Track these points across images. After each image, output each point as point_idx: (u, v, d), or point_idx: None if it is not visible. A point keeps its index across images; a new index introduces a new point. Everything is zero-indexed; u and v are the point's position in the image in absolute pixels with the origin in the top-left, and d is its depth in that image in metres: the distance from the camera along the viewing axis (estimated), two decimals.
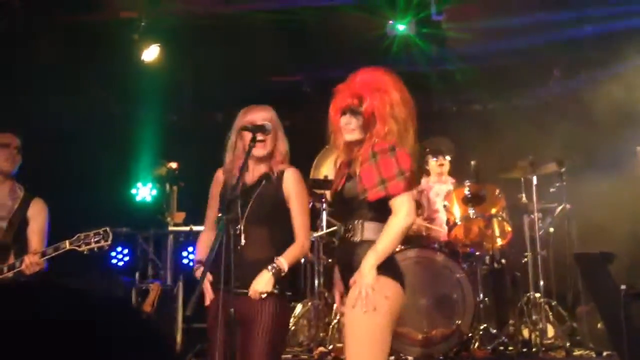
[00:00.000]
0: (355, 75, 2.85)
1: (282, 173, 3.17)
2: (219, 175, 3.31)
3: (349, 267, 2.75)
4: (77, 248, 3.65)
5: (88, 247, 3.66)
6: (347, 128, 2.81)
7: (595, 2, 6.47)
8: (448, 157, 5.92)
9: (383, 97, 2.75)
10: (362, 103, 2.76)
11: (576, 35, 6.78)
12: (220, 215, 2.94)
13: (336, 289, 2.98)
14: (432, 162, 5.92)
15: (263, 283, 3.01)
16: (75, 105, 7.27)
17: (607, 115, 6.76)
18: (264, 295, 2.99)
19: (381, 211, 2.75)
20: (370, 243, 2.71)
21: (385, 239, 2.69)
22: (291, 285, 3.27)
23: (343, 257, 2.86)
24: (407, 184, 2.71)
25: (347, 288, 2.76)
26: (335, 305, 5.44)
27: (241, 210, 3.00)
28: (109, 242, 3.68)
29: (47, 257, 3.70)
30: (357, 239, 2.76)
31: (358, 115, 2.78)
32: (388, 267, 2.69)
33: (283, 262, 3.05)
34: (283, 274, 3.05)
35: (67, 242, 3.66)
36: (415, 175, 2.82)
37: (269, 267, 3.02)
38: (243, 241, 3.03)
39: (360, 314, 2.62)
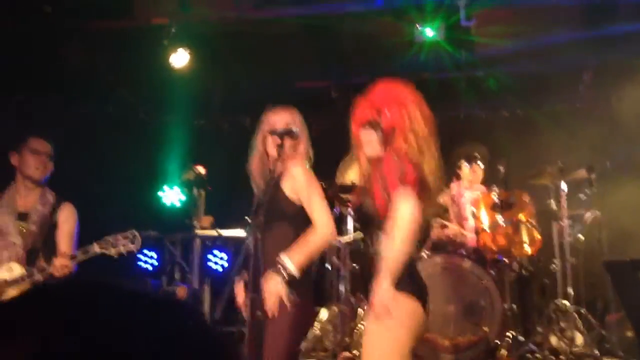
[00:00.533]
0: (375, 88, 2.82)
1: (285, 168, 3.12)
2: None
3: (372, 281, 2.70)
4: (106, 251, 3.66)
5: (116, 249, 3.67)
6: (369, 143, 2.78)
7: (624, 7, 6.38)
8: (482, 165, 5.83)
9: (402, 111, 2.71)
10: (382, 116, 2.73)
11: (606, 39, 6.69)
12: (247, 218, 2.95)
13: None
14: (465, 169, 5.85)
15: (271, 284, 2.91)
16: (105, 110, 7.38)
17: (637, 120, 6.66)
18: (276, 298, 2.91)
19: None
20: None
21: (393, 245, 2.60)
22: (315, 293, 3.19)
23: (366, 271, 2.84)
24: (406, 182, 2.62)
25: (367, 297, 2.75)
26: (360, 311, 5.44)
27: (259, 226, 2.95)
28: (138, 246, 3.69)
29: (76, 260, 3.72)
30: (373, 250, 2.75)
31: (378, 129, 2.74)
32: (405, 283, 2.63)
33: (285, 259, 2.92)
34: (290, 271, 2.90)
35: (96, 245, 3.67)
36: (430, 191, 2.71)
37: (275, 269, 2.92)
38: (265, 246, 2.96)
39: (376, 329, 2.61)
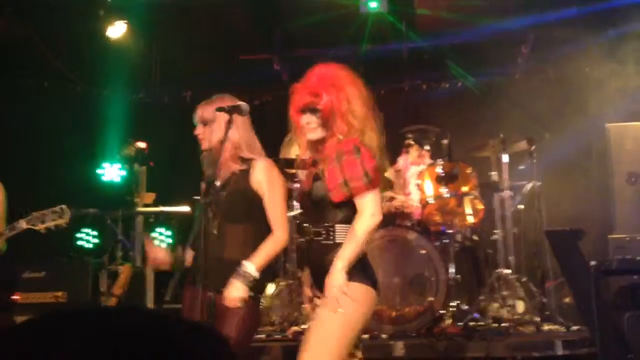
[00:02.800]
0: (311, 72, 2.83)
1: (250, 165, 3.07)
2: (202, 186, 3.23)
3: (321, 270, 2.73)
4: (33, 227, 3.58)
5: (45, 225, 3.59)
6: (308, 127, 2.79)
7: None
8: (429, 152, 5.83)
9: (339, 93, 2.74)
10: (320, 100, 2.74)
11: (544, 12, 6.81)
12: (197, 198, 2.88)
13: (305, 290, 2.96)
14: (413, 151, 5.85)
15: (235, 291, 2.91)
16: (40, 83, 7.10)
17: (576, 93, 6.82)
18: (239, 304, 2.92)
19: (350, 211, 2.73)
20: (341, 246, 2.70)
21: (351, 243, 2.68)
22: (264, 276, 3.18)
23: (314, 259, 2.83)
24: (371, 184, 2.70)
25: (320, 290, 2.75)
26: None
27: (217, 209, 2.90)
28: (67, 220, 3.61)
29: (4, 237, 3.63)
30: (329, 242, 2.75)
31: (317, 114, 2.76)
32: (358, 271, 2.69)
33: (249, 266, 2.93)
34: (253, 278, 2.94)
35: (22, 221, 3.59)
36: (381, 174, 2.82)
37: (238, 273, 2.91)
38: (219, 237, 2.92)
39: (329, 314, 2.64)
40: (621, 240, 5.31)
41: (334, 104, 2.73)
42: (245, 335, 3.01)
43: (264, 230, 3.06)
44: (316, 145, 2.84)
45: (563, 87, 7.05)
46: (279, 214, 3.06)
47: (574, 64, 7.30)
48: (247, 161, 3.08)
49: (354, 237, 2.68)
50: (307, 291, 2.91)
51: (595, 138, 6.03)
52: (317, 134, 2.80)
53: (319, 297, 2.78)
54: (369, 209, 2.70)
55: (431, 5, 6.88)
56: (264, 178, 3.06)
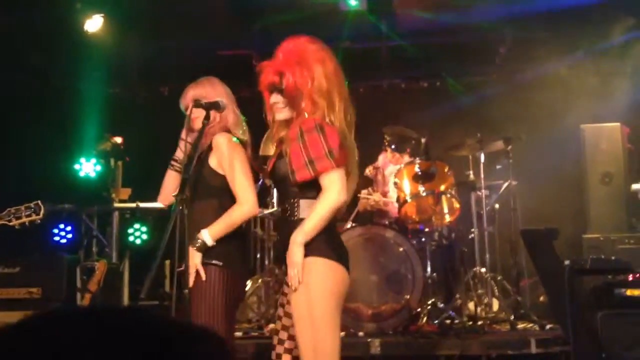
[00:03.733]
0: (279, 49, 2.75)
1: (212, 142, 3.08)
2: None
3: (286, 245, 2.67)
4: (7, 223, 3.53)
5: (19, 221, 3.54)
6: (276, 107, 2.74)
7: None
8: (406, 155, 5.83)
9: (303, 72, 2.66)
10: (283, 79, 2.67)
11: (523, 14, 6.86)
12: (174, 194, 2.85)
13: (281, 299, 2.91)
14: (391, 154, 5.84)
15: (190, 259, 2.93)
16: (13, 75, 6.98)
17: (552, 93, 6.90)
18: (193, 270, 2.94)
19: (315, 188, 2.67)
20: None
21: (312, 218, 2.62)
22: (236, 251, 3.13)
23: (281, 236, 2.81)
24: (336, 162, 2.63)
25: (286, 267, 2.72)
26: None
27: (185, 202, 2.86)
28: (41, 216, 3.56)
29: None
30: (294, 217, 2.70)
31: (282, 93, 2.70)
32: (320, 247, 2.62)
33: (203, 233, 2.97)
34: (209, 245, 2.96)
35: None
36: (347, 151, 2.72)
37: (193, 242, 2.95)
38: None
39: (298, 296, 2.58)
40: (595, 240, 5.39)
41: (298, 83, 2.65)
42: (211, 305, 2.96)
43: (227, 207, 3.04)
44: (284, 125, 2.78)
45: (540, 88, 7.12)
46: (242, 184, 3.04)
47: (551, 65, 7.38)
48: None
49: (315, 212, 2.62)
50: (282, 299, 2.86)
51: (571, 138, 6.10)
52: (284, 113, 2.74)
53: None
54: (334, 187, 2.62)
55: (411, 4, 6.90)
56: (223, 153, 3.05)
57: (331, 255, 2.64)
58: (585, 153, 5.78)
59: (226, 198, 3.05)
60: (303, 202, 2.69)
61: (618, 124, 5.79)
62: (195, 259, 2.95)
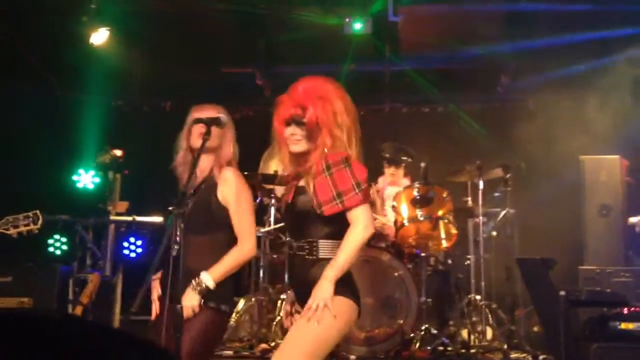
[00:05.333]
0: (297, 85, 2.80)
1: (219, 175, 3.07)
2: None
3: (305, 286, 2.69)
4: (5, 232, 3.52)
5: (17, 230, 3.53)
6: (293, 139, 2.75)
7: (546, 16, 6.60)
8: (401, 168, 5.91)
9: (326, 106, 2.71)
10: (306, 113, 2.71)
11: (525, 44, 6.91)
12: (170, 208, 2.83)
13: (285, 306, 2.92)
14: (389, 170, 5.92)
15: (187, 300, 2.91)
16: (16, 85, 7.01)
17: (553, 124, 6.92)
18: (193, 311, 2.91)
19: (335, 226, 2.70)
20: (326, 261, 2.66)
21: (344, 253, 2.63)
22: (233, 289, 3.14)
23: (297, 275, 2.79)
24: (364, 196, 2.68)
25: (302, 305, 2.71)
26: (279, 303, 5.41)
27: (182, 217, 2.82)
28: (39, 226, 3.56)
29: None
30: (312, 257, 2.71)
31: (302, 126, 2.73)
32: (345, 286, 2.65)
33: (206, 276, 2.94)
34: (210, 288, 2.94)
35: None
36: (369, 187, 2.80)
37: (193, 283, 2.93)
38: (175, 250, 2.82)
39: (306, 325, 2.59)
40: (591, 271, 5.37)
41: (319, 117, 2.70)
42: (203, 347, 2.95)
43: (226, 241, 3.03)
44: (298, 158, 2.80)
45: (541, 117, 7.14)
46: (245, 225, 3.04)
47: (553, 95, 7.42)
48: (218, 171, 3.07)
49: (346, 249, 2.64)
50: (288, 307, 2.88)
51: (570, 169, 6.11)
52: (301, 146, 2.76)
53: (299, 314, 2.75)
54: (362, 222, 2.66)
55: (415, 30, 6.94)
56: (231, 188, 3.04)
57: (351, 295, 2.67)
58: (584, 184, 5.78)
59: (225, 233, 3.04)
60: (322, 242, 2.71)
61: (617, 156, 5.80)
62: (193, 300, 2.93)
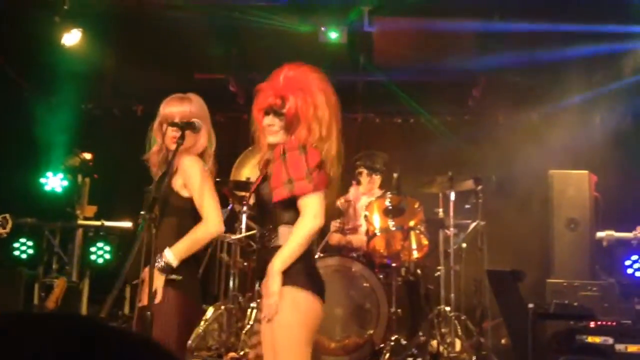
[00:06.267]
0: (279, 72, 2.73)
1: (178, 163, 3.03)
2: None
3: (265, 273, 2.61)
4: None
5: None
6: (270, 130, 2.70)
7: (518, 34, 6.69)
8: (379, 176, 5.92)
9: (306, 98, 2.64)
10: (285, 104, 2.65)
11: (496, 60, 7.00)
12: (142, 213, 2.78)
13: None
14: (366, 177, 5.91)
15: (155, 281, 2.83)
16: None
17: (522, 138, 7.01)
18: (159, 290, 2.85)
19: (296, 213, 2.62)
20: None
21: (289, 245, 2.57)
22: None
23: (259, 263, 2.75)
24: (316, 184, 2.60)
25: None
26: (249, 311, 5.36)
27: (154, 222, 2.78)
28: (8, 230, 3.48)
29: None
30: (272, 244, 2.64)
31: (281, 116, 2.67)
32: (302, 276, 2.58)
33: (167, 253, 2.88)
34: (173, 266, 2.88)
35: None
36: (329, 177, 2.70)
37: (157, 262, 2.86)
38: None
39: (268, 326, 2.54)
40: (558, 285, 5.43)
41: (299, 109, 2.63)
42: (168, 327, 2.88)
43: (191, 223, 2.98)
44: (274, 146, 2.73)
45: (511, 131, 7.24)
46: (207, 204, 2.97)
47: (522, 109, 7.53)
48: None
49: (293, 238, 2.57)
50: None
51: (539, 183, 6.18)
52: (277, 137, 2.70)
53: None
54: (311, 211, 2.59)
55: (389, 41, 6.99)
56: (186, 170, 3.00)
57: (306, 285, 2.58)
58: (552, 198, 5.85)
59: (187, 218, 3.00)
60: (281, 229, 2.64)
61: (586, 171, 5.88)
62: (157, 281, 2.84)
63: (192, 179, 2.99)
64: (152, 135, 3.12)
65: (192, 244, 2.94)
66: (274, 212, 2.67)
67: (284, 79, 2.70)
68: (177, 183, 3.02)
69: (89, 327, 0.84)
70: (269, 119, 2.70)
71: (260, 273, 2.71)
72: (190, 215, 3.00)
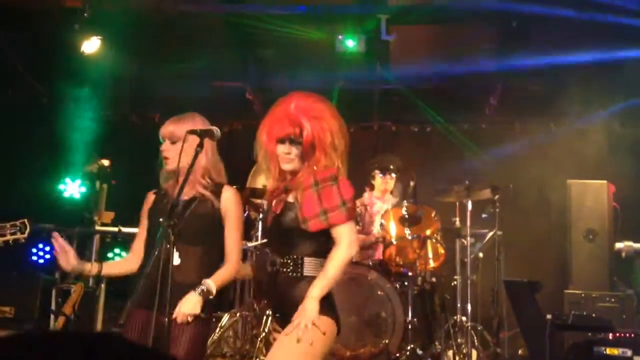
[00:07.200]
0: (288, 101, 2.76)
1: (220, 190, 3.02)
2: (149, 196, 3.17)
3: (287, 303, 2.67)
4: None
5: (3, 238, 3.46)
6: (287, 157, 2.73)
7: (535, 41, 6.66)
8: (394, 175, 5.91)
9: (323, 126, 2.70)
10: (302, 132, 2.68)
11: (513, 66, 6.96)
12: (161, 220, 2.78)
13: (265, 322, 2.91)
14: (379, 179, 5.89)
15: (190, 305, 2.83)
16: (5, 92, 6.96)
17: (540, 147, 6.97)
18: (190, 319, 2.84)
19: (321, 243, 2.69)
20: (311, 279, 2.65)
21: (329, 271, 2.63)
22: (217, 303, 3.13)
23: (279, 292, 2.74)
24: (349, 214, 2.68)
25: (283, 323, 2.68)
26: (264, 319, 5.36)
27: (173, 229, 2.76)
28: (26, 235, 3.49)
29: None
30: (297, 274, 2.68)
31: (298, 145, 2.71)
32: (327, 304, 2.65)
33: (212, 284, 2.88)
34: (211, 297, 2.89)
35: None
36: (355, 205, 2.80)
37: (198, 289, 2.86)
38: (177, 260, 2.86)
39: (292, 343, 2.56)
40: (576, 296, 5.38)
41: (316, 136, 2.68)
42: (196, 354, 2.90)
43: (216, 255, 3.00)
44: (287, 174, 2.77)
45: (528, 140, 7.19)
46: (237, 243, 3.02)
47: (539, 118, 7.48)
48: (215, 185, 3.02)
49: (330, 269, 2.63)
50: (267, 324, 2.86)
51: (557, 193, 6.13)
52: (294, 164, 2.74)
53: (278, 332, 2.72)
54: (346, 239, 2.66)
55: (407, 50, 6.99)
56: (231, 205, 3.01)
57: (332, 314, 2.66)
58: (570, 208, 5.80)
59: (216, 248, 3.02)
60: (307, 260, 2.70)
61: (605, 181, 5.84)
62: (196, 308, 2.82)
63: (231, 211, 3.00)
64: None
65: (224, 283, 2.97)
66: (297, 242, 2.71)
67: (297, 108, 2.73)
68: (220, 212, 3.00)
69: (119, 346, 0.85)
70: (286, 147, 2.73)
71: (279, 300, 2.74)
72: (219, 245, 3.01)
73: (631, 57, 6.46)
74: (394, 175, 5.89)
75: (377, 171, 5.87)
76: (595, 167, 6.32)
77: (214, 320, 3.11)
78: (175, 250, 2.78)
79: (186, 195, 2.97)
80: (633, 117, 6.94)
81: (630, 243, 5.46)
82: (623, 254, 5.63)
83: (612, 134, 7.06)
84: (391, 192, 5.98)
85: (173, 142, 3.03)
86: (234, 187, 3.12)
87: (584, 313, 4.48)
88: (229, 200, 3.02)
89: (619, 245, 5.64)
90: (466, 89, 7.58)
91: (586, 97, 6.93)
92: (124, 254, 6.67)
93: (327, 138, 2.69)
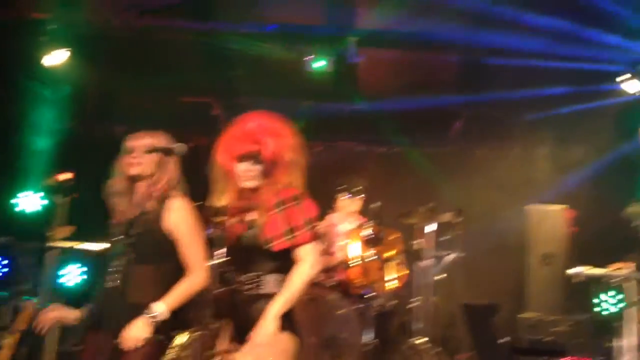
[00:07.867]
0: (246, 121, 2.80)
1: (167, 203, 2.89)
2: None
3: (247, 320, 2.68)
4: None
5: None
6: (248, 175, 2.75)
7: (500, 69, 6.81)
8: (361, 197, 5.89)
9: (283, 143, 2.75)
10: (262, 149, 2.71)
11: (477, 93, 7.10)
12: (117, 238, 2.74)
13: (221, 342, 2.86)
14: (345, 200, 5.84)
15: (135, 330, 2.73)
16: None
17: (499, 172, 7.08)
18: (139, 343, 2.74)
19: (281, 262, 2.71)
20: (270, 297, 2.65)
21: (290, 289, 2.65)
22: (183, 320, 3.02)
23: (239, 310, 2.75)
24: (314, 234, 2.71)
25: (242, 341, 2.68)
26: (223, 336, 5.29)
27: (122, 248, 2.73)
28: None
29: None
30: (257, 292, 2.71)
31: (258, 163, 2.73)
32: (287, 322, 2.67)
33: (161, 306, 2.77)
34: (163, 318, 2.77)
35: None
36: (319, 225, 2.85)
37: (145, 312, 2.75)
38: (129, 280, 2.79)
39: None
40: (531, 319, 5.45)
41: (276, 154, 2.71)
42: None
43: (173, 271, 2.86)
44: (247, 192, 2.78)
45: (488, 165, 7.31)
46: (195, 253, 2.86)
47: (500, 144, 7.61)
48: (164, 199, 2.90)
49: (291, 286, 2.65)
50: (224, 343, 2.83)
51: (515, 218, 6.23)
52: (254, 182, 2.75)
53: (237, 350, 2.71)
54: (310, 259, 2.69)
55: (374, 72, 7.07)
56: (180, 216, 2.88)
57: (294, 330, 2.70)
58: (528, 233, 5.89)
59: (171, 263, 2.88)
60: (268, 277, 2.71)
61: (562, 206, 5.95)
62: (143, 332, 2.72)
63: (183, 223, 2.87)
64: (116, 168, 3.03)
65: (182, 297, 2.84)
66: (258, 260, 2.73)
67: (256, 126, 2.77)
68: (168, 225, 2.87)
69: None
70: (246, 165, 2.75)
71: (240, 319, 2.76)
72: (174, 260, 2.88)
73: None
74: (360, 196, 5.90)
75: (343, 192, 5.86)
76: (558, 192, 6.44)
77: (174, 339, 3.00)
78: (128, 269, 2.74)
79: (134, 214, 2.91)
80: (595, 141, 7.03)
81: (581, 269, 5.53)
82: (572, 280, 5.72)
83: (575, 159, 7.19)
84: (357, 213, 5.99)
85: (135, 157, 2.98)
86: (184, 198, 2.98)
87: (540, 337, 4.54)
88: (176, 211, 2.87)
89: (570, 271, 5.73)
90: (431, 114, 7.67)
91: (548, 123, 7.08)
92: (79, 270, 6.51)
93: (287, 155, 2.73)
